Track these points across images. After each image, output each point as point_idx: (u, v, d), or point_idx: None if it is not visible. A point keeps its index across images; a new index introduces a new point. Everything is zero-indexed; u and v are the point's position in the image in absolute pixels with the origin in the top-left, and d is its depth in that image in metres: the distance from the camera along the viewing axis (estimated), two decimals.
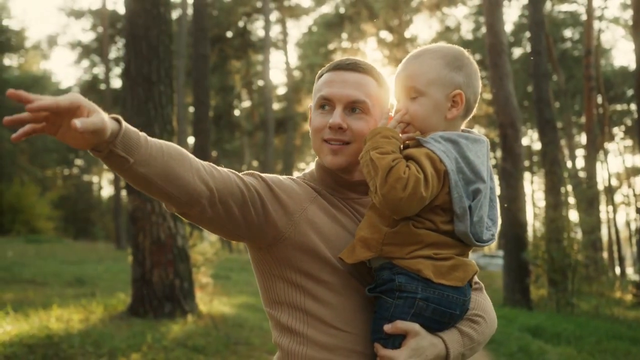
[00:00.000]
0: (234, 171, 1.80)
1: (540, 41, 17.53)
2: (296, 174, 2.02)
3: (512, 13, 50.34)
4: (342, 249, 1.78)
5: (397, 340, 1.69)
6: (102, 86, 41.48)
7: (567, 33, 36.58)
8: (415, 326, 1.68)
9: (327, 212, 1.86)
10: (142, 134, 1.60)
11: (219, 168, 1.76)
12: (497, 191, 1.86)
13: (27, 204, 36.34)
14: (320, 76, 1.96)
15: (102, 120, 1.45)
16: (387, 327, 1.68)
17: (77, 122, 1.39)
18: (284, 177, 1.92)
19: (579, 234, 15.35)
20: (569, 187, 18.48)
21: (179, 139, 27.24)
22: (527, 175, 42.71)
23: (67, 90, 43.31)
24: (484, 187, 1.71)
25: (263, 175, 1.85)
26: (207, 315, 10.01)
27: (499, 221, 1.85)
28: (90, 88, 45.18)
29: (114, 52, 40.05)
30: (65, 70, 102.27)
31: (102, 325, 8.93)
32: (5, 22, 40.54)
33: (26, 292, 12.54)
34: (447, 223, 1.70)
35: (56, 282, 15.04)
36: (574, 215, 16.41)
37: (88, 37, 49.11)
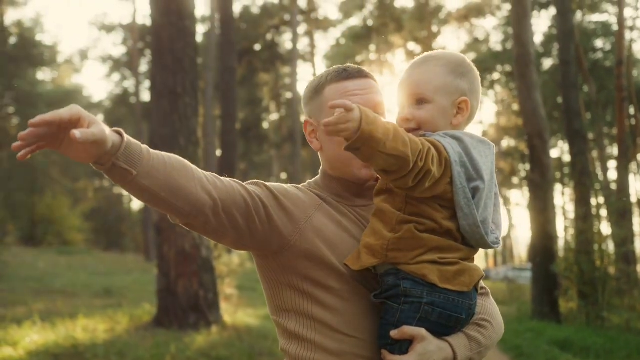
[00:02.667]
0: (238, 181, 1.81)
1: (569, 51, 17.35)
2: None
3: (542, 24, 49.85)
4: (348, 256, 1.78)
5: (404, 346, 1.68)
6: (133, 99, 42.02)
7: (598, 43, 36.15)
8: (422, 331, 1.67)
9: (332, 219, 1.86)
10: (144, 146, 1.60)
11: (222, 178, 1.77)
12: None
13: (59, 216, 36.77)
14: (321, 88, 1.94)
15: (102, 131, 1.46)
16: (394, 333, 1.68)
17: (77, 133, 1.40)
18: (289, 185, 1.92)
19: (610, 247, 15.08)
20: (601, 199, 18.20)
21: (207, 151, 27.43)
22: (558, 187, 42.24)
23: (99, 104, 43.67)
24: (483, 187, 1.70)
25: (267, 184, 1.85)
26: (232, 326, 10.03)
27: (503, 225, 1.84)
28: (121, 101, 45.84)
29: (144, 66, 40.50)
30: (97, 83, 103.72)
31: (127, 335, 9.00)
32: (38, 37, 41.27)
33: (55, 302, 12.71)
34: (448, 219, 1.70)
35: (85, 292, 15.22)
36: (606, 228, 16.14)
37: (119, 51, 49.74)
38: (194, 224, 1.71)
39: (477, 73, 1.85)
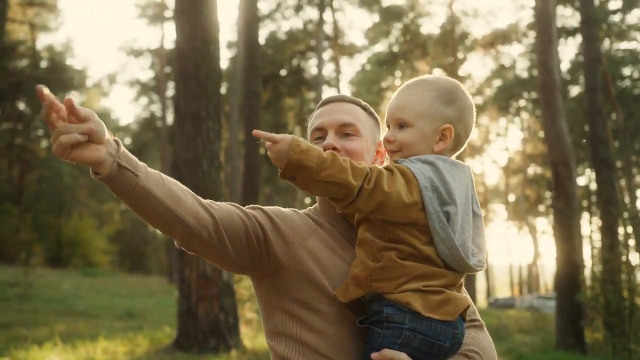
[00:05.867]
0: (233, 204, 1.85)
1: (595, 78, 17.23)
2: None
3: (569, 51, 49.71)
4: (340, 280, 1.80)
5: None
6: (159, 123, 42.46)
7: (627, 71, 35.89)
8: (402, 355, 1.65)
9: (326, 243, 1.87)
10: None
11: (217, 202, 1.80)
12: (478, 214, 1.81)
13: (85, 237, 37.18)
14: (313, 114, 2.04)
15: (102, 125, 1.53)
16: (375, 355, 1.67)
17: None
18: (287, 209, 1.95)
19: (638, 277, 14.81)
20: (629, 228, 17.93)
21: (231, 175, 27.55)
22: (585, 215, 41.69)
23: (126, 127, 44.18)
24: (456, 211, 1.69)
25: (264, 207, 1.89)
26: (251, 351, 9.98)
27: (486, 248, 1.82)
28: (148, 125, 46.31)
29: (171, 90, 40.93)
30: (124, 107, 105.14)
31: (147, 358, 9.00)
32: (68, 62, 42.12)
33: (77, 324, 12.77)
34: (427, 244, 1.69)
35: (107, 314, 15.28)
36: (634, 257, 15.86)
37: (146, 75, 50.39)
38: (196, 242, 1.72)
39: (471, 102, 1.85)
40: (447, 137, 1.78)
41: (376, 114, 2.04)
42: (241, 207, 1.84)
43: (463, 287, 1.83)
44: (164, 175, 1.68)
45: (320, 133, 1.95)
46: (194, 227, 1.67)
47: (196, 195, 1.74)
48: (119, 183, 1.56)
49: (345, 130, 1.91)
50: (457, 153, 1.86)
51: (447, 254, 1.68)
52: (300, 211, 1.99)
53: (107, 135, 1.54)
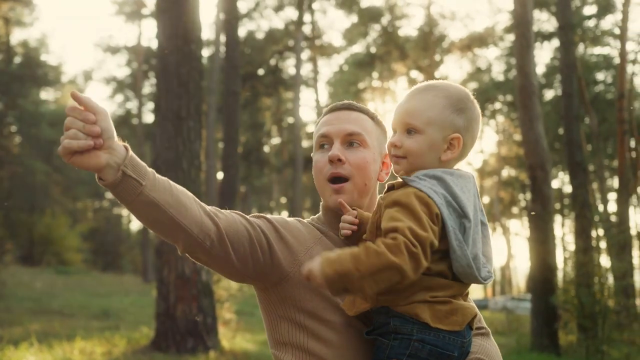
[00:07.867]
0: (238, 212, 1.84)
1: (572, 83, 17.44)
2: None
3: (544, 55, 50.13)
4: None
5: None
6: (135, 121, 42.15)
7: (600, 76, 36.31)
8: None
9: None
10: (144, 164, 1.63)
11: (221, 210, 1.80)
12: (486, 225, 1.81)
13: (58, 235, 36.68)
14: (319, 121, 2.04)
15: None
16: None
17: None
18: (292, 218, 1.95)
19: (610, 280, 15.01)
20: (601, 231, 18.17)
21: (208, 174, 27.41)
22: (558, 218, 42.14)
23: None
24: (470, 225, 1.67)
25: (269, 216, 1.88)
26: (230, 351, 9.96)
27: (494, 258, 1.82)
28: (123, 122, 45.92)
29: (147, 88, 40.69)
30: (100, 104, 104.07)
31: (124, 358, 8.93)
32: (43, 57, 41.51)
33: (52, 323, 12.64)
34: (438, 262, 1.67)
35: (82, 314, 15.15)
36: (605, 260, 16.07)
37: (123, 72, 49.97)
38: (198, 251, 1.71)
39: (478, 112, 1.81)
40: (455, 146, 1.75)
41: (384, 124, 2.02)
42: (246, 216, 1.82)
43: (469, 296, 1.82)
44: (172, 184, 1.67)
45: (326, 141, 1.93)
46: (197, 237, 1.67)
47: (202, 204, 1.73)
48: (122, 191, 1.56)
49: (351, 140, 1.90)
50: (461, 161, 1.82)
51: (460, 271, 1.66)
52: (305, 220, 1.98)
53: (116, 141, 1.54)
